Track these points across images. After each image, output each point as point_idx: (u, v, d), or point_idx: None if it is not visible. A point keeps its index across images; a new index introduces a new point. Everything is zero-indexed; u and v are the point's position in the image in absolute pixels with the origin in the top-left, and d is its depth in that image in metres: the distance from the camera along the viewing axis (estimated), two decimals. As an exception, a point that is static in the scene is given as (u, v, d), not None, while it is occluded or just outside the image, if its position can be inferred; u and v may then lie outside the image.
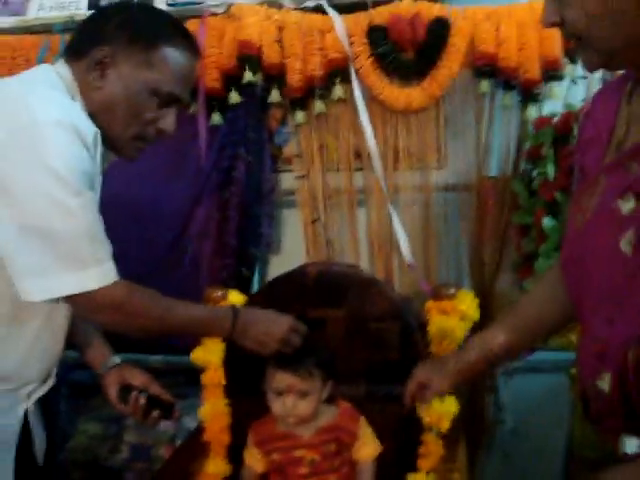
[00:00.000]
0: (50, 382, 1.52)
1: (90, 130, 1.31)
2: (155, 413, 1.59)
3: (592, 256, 1.05)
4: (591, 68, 1.03)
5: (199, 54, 1.54)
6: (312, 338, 1.69)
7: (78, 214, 1.27)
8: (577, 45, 1.02)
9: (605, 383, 1.01)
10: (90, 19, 1.48)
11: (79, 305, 1.36)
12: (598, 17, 0.95)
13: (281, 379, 1.60)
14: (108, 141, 1.41)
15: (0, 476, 1.43)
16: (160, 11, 1.61)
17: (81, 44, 1.42)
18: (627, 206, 0.98)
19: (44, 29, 2.40)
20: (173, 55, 1.42)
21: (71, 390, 2.50)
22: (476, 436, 2.21)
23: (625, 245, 0.98)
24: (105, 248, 1.34)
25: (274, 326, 1.62)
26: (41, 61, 2.28)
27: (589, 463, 1.17)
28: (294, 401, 1.60)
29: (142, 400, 1.58)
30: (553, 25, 1.00)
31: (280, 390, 1.61)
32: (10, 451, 1.43)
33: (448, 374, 1.47)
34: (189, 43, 1.47)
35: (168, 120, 1.47)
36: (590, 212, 1.06)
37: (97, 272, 1.31)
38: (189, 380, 2.16)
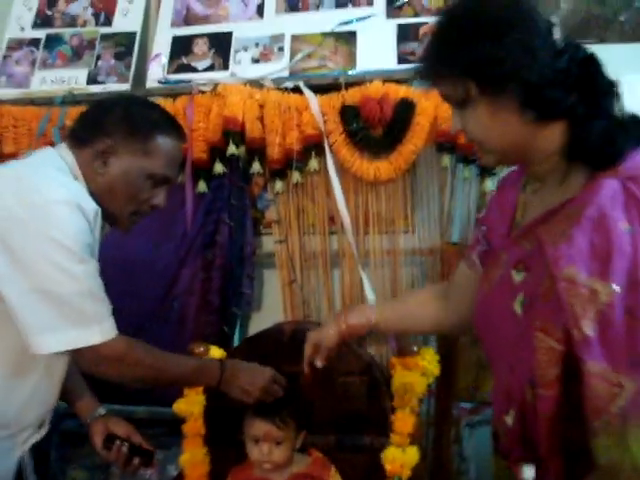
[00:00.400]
0: (44, 429, 1.63)
1: (91, 208, 1.47)
2: (136, 461, 1.70)
3: (496, 316, 1.24)
4: (489, 164, 1.27)
5: (185, 138, 1.70)
6: (287, 391, 1.78)
7: (82, 279, 1.42)
8: (476, 147, 1.23)
9: (510, 418, 1.18)
10: (91, 112, 1.65)
11: (84, 358, 1.48)
12: (489, 128, 1.16)
13: (259, 427, 1.70)
14: (107, 217, 1.57)
15: None
16: (152, 104, 1.77)
17: (84, 134, 1.58)
18: (518, 277, 1.18)
19: (45, 101, 2.53)
20: (166, 143, 1.58)
21: (61, 438, 2.51)
22: None
23: (517, 307, 1.16)
24: (106, 307, 1.48)
25: (257, 376, 1.73)
26: (42, 131, 2.43)
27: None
28: (270, 448, 1.70)
29: (124, 449, 1.69)
30: (458, 132, 1.23)
31: (257, 437, 1.71)
32: None
33: (335, 334, 1.60)
34: (178, 131, 1.64)
35: (160, 197, 1.63)
36: (494, 281, 1.26)
37: (100, 328, 1.44)
38: (172, 431, 2.21)
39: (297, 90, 2.32)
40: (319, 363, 1.64)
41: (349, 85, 2.26)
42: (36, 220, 1.39)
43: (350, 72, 2.31)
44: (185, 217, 2.38)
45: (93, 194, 1.53)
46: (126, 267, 2.40)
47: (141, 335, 1.71)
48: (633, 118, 1.16)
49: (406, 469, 1.72)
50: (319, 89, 2.30)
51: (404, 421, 1.78)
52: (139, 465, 1.72)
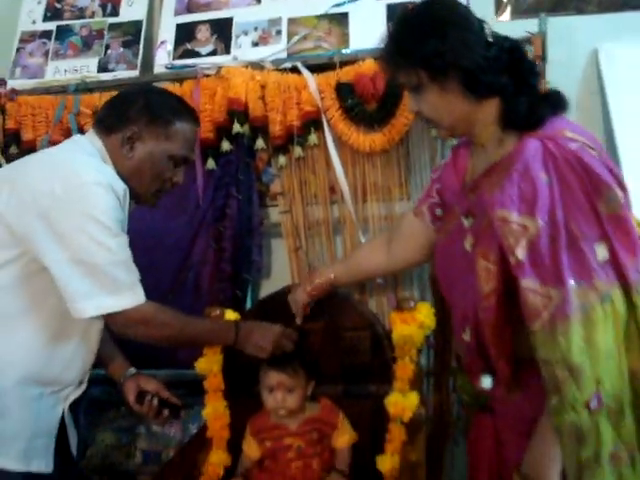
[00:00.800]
0: (83, 386, 1.82)
1: (121, 187, 1.66)
2: (165, 412, 1.90)
3: (452, 255, 1.51)
4: (442, 137, 1.58)
5: (199, 122, 1.89)
6: (297, 344, 1.97)
7: (115, 250, 1.61)
8: (432, 124, 1.51)
9: (467, 334, 1.44)
10: (116, 102, 1.83)
11: (117, 321, 1.67)
12: (439, 108, 1.43)
13: (272, 377, 1.89)
14: (134, 195, 1.76)
15: (45, 457, 1.72)
16: (170, 93, 1.94)
17: (111, 123, 1.76)
18: (467, 222, 1.45)
19: (60, 90, 2.65)
20: (184, 128, 1.78)
21: (89, 404, 2.61)
22: (443, 433, 2.38)
23: (467, 245, 1.43)
24: (136, 275, 1.67)
25: (268, 333, 1.92)
26: (59, 118, 2.56)
27: (466, 404, 1.77)
28: (283, 395, 1.88)
29: (154, 402, 1.89)
30: (416, 113, 1.49)
31: (271, 386, 1.89)
32: (52, 439, 1.73)
33: (303, 293, 2.02)
34: (193, 116, 1.83)
35: (180, 175, 1.83)
36: (450, 229, 1.53)
37: (131, 295, 1.64)
38: (192, 392, 2.31)
39: (295, 70, 2.42)
40: (298, 320, 1.99)
41: (343, 64, 2.36)
42: (74, 199, 1.57)
43: (344, 51, 2.40)
44: (196, 192, 2.50)
45: (121, 175, 1.71)
46: (143, 242, 2.42)
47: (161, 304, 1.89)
48: (552, 92, 1.45)
49: (407, 412, 1.86)
50: (315, 68, 2.40)
51: (404, 369, 1.90)
52: (168, 416, 1.91)
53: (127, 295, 1.64)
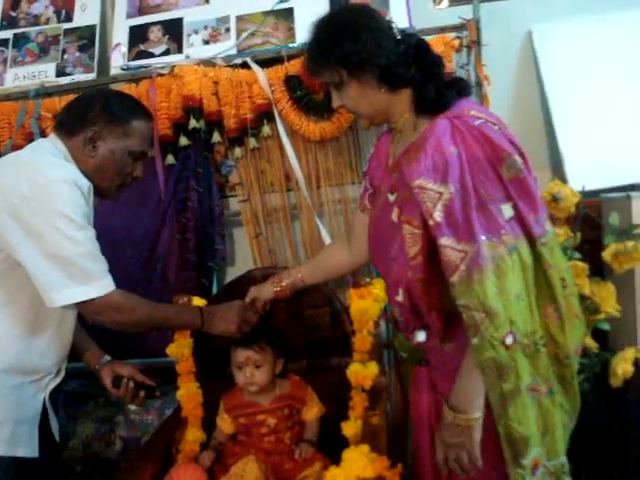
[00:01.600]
0: (62, 374, 1.92)
1: (85, 184, 1.76)
2: (141, 393, 1.99)
3: (381, 228, 1.67)
4: (364, 127, 1.70)
5: (153, 118, 1.99)
6: (262, 323, 2.06)
7: (83, 243, 1.70)
8: (354, 115, 1.70)
9: (400, 295, 1.59)
10: (75, 106, 1.91)
11: (87, 309, 1.76)
12: (359, 101, 1.61)
13: (240, 354, 1.98)
14: (99, 191, 1.85)
15: (30, 444, 1.81)
16: (124, 94, 2.04)
17: (72, 125, 1.85)
18: (392, 197, 1.61)
19: (20, 96, 2.69)
20: (140, 125, 1.88)
21: (67, 398, 2.75)
22: (406, 402, 2.55)
23: (394, 217, 1.59)
24: (104, 265, 1.76)
25: (232, 309, 2.03)
26: (20, 123, 2.61)
27: (405, 360, 1.92)
28: (251, 371, 1.97)
29: (131, 384, 1.97)
30: (339, 107, 1.66)
31: (240, 364, 1.98)
32: (36, 426, 1.83)
33: (270, 292, 2.09)
34: (147, 114, 1.93)
35: (140, 169, 1.93)
36: (378, 206, 1.68)
37: (100, 284, 1.74)
38: (165, 379, 2.39)
39: (246, 66, 2.50)
40: (254, 315, 2.06)
41: (291, 57, 2.45)
42: (41, 197, 1.67)
43: (291, 45, 2.50)
44: (158, 187, 2.59)
45: (85, 174, 1.81)
46: (110, 237, 2.46)
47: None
48: (456, 78, 1.67)
49: (367, 380, 1.96)
50: (265, 63, 2.49)
51: (363, 341, 2.00)
52: (144, 397, 2.00)
53: (96, 284, 1.73)
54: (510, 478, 1.51)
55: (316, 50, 1.62)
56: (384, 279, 1.78)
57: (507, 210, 1.44)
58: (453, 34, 2.42)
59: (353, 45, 1.53)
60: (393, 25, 1.59)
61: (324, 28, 1.61)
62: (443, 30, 2.43)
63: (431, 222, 1.45)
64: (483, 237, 1.41)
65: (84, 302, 1.73)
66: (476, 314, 1.42)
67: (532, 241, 1.46)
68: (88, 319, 1.83)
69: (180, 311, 2.04)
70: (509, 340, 1.42)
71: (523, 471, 1.50)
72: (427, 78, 1.57)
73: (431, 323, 1.58)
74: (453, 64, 2.43)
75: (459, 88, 1.59)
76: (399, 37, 1.57)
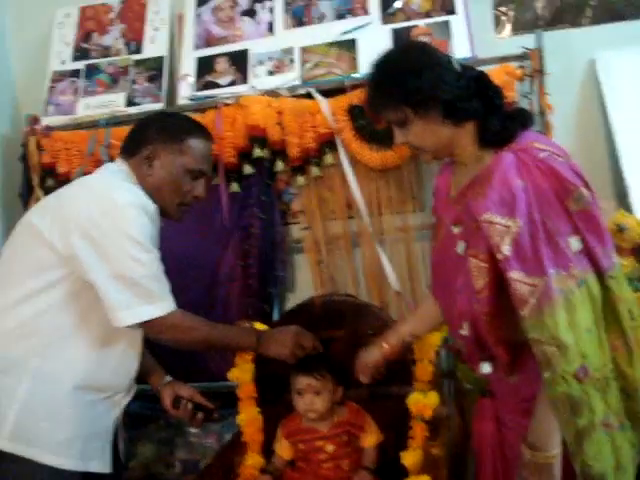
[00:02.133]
0: (132, 393, 1.97)
1: (151, 206, 1.84)
2: (199, 415, 2.05)
3: (445, 260, 1.66)
4: (427, 162, 1.72)
5: (212, 139, 2.04)
6: (323, 352, 2.07)
7: (148, 264, 1.77)
8: (417, 151, 1.68)
9: (464, 329, 1.59)
10: (135, 128, 2.01)
11: (150, 328, 1.82)
12: (424, 137, 1.61)
13: (301, 381, 2.00)
14: (160, 210, 1.90)
15: (103, 458, 1.88)
16: (181, 115, 2.12)
17: (132, 147, 1.95)
18: (456, 229, 1.61)
19: (91, 124, 2.79)
20: (196, 143, 1.94)
21: (129, 419, 2.75)
22: (467, 433, 2.48)
23: (459, 249, 1.58)
24: (167, 286, 1.83)
25: (285, 335, 2.04)
26: (91, 150, 2.69)
27: (468, 391, 1.91)
28: (311, 398, 1.99)
29: (189, 406, 2.03)
30: (402, 144, 1.65)
31: (300, 390, 2.01)
32: (108, 442, 1.90)
33: (379, 355, 1.97)
34: (205, 132, 1.99)
35: (200, 188, 1.99)
36: (441, 237, 1.69)
37: (162, 305, 1.80)
38: (225, 403, 2.37)
39: (309, 96, 2.55)
40: (364, 380, 2.00)
41: (354, 87, 2.48)
42: (110, 221, 1.75)
43: (354, 76, 2.54)
44: (222, 214, 2.64)
45: (146, 192, 1.88)
46: (175, 262, 2.53)
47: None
48: (519, 110, 1.67)
49: (428, 410, 1.96)
50: (328, 93, 2.54)
51: (424, 370, 2.00)
52: (202, 418, 2.05)
53: (159, 304, 1.80)
54: None
55: (379, 90, 1.63)
56: (445, 311, 1.77)
57: (575, 243, 1.44)
58: (515, 63, 2.41)
59: (417, 83, 1.53)
60: (453, 59, 1.60)
61: (386, 68, 1.62)
62: (505, 59, 2.43)
63: (499, 256, 1.45)
64: (552, 270, 1.41)
65: (147, 321, 1.79)
66: (547, 348, 1.41)
67: (600, 274, 1.45)
68: (150, 337, 1.90)
69: (237, 332, 2.06)
70: (581, 374, 1.41)
71: None
72: (490, 110, 1.58)
73: (498, 356, 1.57)
74: (516, 93, 2.41)
75: (522, 119, 1.59)
76: (460, 71, 1.58)
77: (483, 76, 1.63)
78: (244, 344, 2.05)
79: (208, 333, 1.93)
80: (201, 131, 1.99)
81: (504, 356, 1.55)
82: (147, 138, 1.93)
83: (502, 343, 1.54)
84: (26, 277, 1.82)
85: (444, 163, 1.81)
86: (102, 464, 1.87)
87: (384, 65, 1.63)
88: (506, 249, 1.44)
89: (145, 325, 1.81)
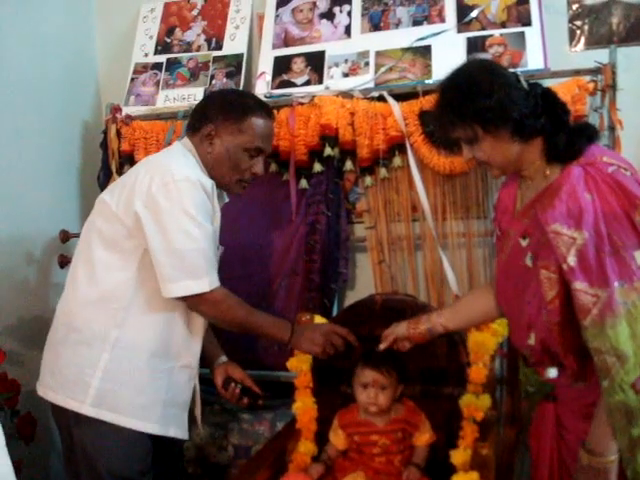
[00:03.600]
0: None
1: (209, 183, 1.92)
2: (245, 400, 2.13)
3: (513, 273, 1.70)
4: (496, 176, 1.78)
5: (273, 117, 2.10)
6: (390, 350, 2.08)
7: (198, 239, 1.87)
8: (485, 166, 1.72)
9: (532, 339, 1.64)
10: (198, 105, 2.09)
11: (192, 301, 1.92)
12: (493, 154, 1.64)
13: (368, 374, 2.03)
14: (219, 185, 2.01)
15: (181, 426, 2.01)
16: (244, 92, 2.20)
17: (194, 123, 2.03)
18: (524, 242, 1.65)
19: (169, 116, 2.88)
20: (255, 122, 2.00)
21: None
22: (515, 437, 2.40)
23: (528, 261, 1.62)
24: (213, 264, 1.92)
25: (319, 330, 2.10)
26: (168, 142, 2.75)
27: (530, 394, 1.92)
28: (376, 392, 2.02)
29: (237, 390, 2.12)
30: (470, 160, 1.70)
31: (366, 383, 2.03)
32: (185, 411, 2.05)
33: (403, 331, 2.04)
34: (265, 111, 2.04)
35: (259, 166, 2.06)
36: (507, 250, 1.71)
37: (206, 280, 1.89)
38: (279, 394, 2.56)
39: (382, 99, 2.58)
40: (381, 346, 2.07)
41: (426, 93, 2.50)
42: (168, 194, 1.85)
43: (427, 82, 2.56)
44: (290, 209, 2.71)
45: (206, 168, 1.98)
46: (241, 254, 2.71)
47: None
48: (584, 124, 1.71)
49: (480, 412, 1.98)
50: (400, 97, 2.56)
51: (478, 373, 2.03)
52: (248, 403, 2.14)
53: (203, 280, 1.89)
54: None
55: (449, 108, 1.66)
56: (512, 322, 1.80)
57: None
58: (588, 77, 2.42)
59: (487, 101, 1.57)
60: (520, 77, 1.64)
61: (455, 86, 1.66)
62: (578, 73, 2.44)
63: (565, 266, 1.49)
64: (616, 283, 1.44)
65: (190, 295, 1.89)
66: (608, 357, 1.45)
67: None
68: (189, 308, 1.98)
69: (273, 323, 2.09)
70: (639, 385, 1.44)
71: None
72: (556, 126, 1.61)
73: (567, 363, 1.61)
74: (587, 107, 2.42)
75: (589, 134, 1.62)
76: (527, 88, 1.62)
77: (549, 92, 1.66)
78: (277, 335, 2.09)
79: (245, 317, 2.00)
80: (261, 109, 2.04)
81: (573, 364, 1.59)
82: (208, 116, 2.01)
83: (572, 352, 1.58)
84: (102, 251, 1.94)
85: (509, 176, 1.83)
86: (181, 431, 2.02)
87: (454, 83, 1.67)
88: (571, 260, 1.48)
89: (187, 298, 1.90)
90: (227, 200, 2.17)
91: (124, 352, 1.93)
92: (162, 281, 1.88)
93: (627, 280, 1.45)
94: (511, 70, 1.70)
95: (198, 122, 2.03)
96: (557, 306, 1.54)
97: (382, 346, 2.06)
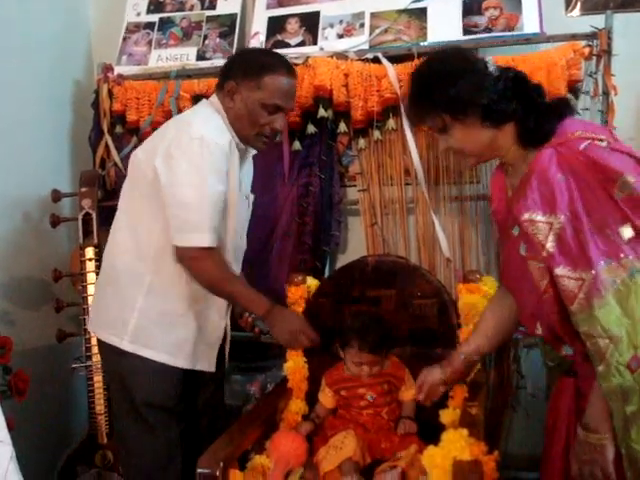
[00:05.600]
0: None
1: (226, 141, 2.00)
2: (256, 329, 2.25)
3: (512, 263, 1.69)
4: (472, 165, 1.82)
5: (295, 74, 2.14)
6: (383, 325, 2.11)
7: (203, 196, 1.94)
8: (461, 156, 1.72)
9: (539, 329, 1.63)
10: (225, 63, 2.17)
11: (178, 253, 2.01)
12: (465, 142, 1.65)
13: (364, 357, 2.06)
14: (241, 139, 2.09)
15: (209, 362, 2.17)
16: (268, 51, 2.26)
17: (221, 79, 2.10)
18: (516, 232, 1.62)
19: (162, 76, 2.86)
20: (274, 79, 2.05)
21: None
22: (503, 399, 2.47)
23: (522, 251, 1.60)
24: (211, 223, 1.96)
25: (291, 324, 2.16)
26: (161, 101, 2.78)
27: (550, 369, 1.86)
28: (369, 368, 2.07)
29: (249, 319, 2.24)
30: (446, 150, 1.70)
31: (360, 362, 2.07)
32: (215, 348, 2.19)
33: (439, 379, 1.96)
34: (285, 68, 2.09)
35: (278, 122, 2.11)
36: (506, 241, 1.71)
37: (199, 237, 1.97)
38: (271, 356, 2.65)
39: (376, 60, 2.57)
40: (420, 397, 2.00)
41: (421, 55, 2.48)
42: (184, 150, 1.94)
43: (422, 43, 2.55)
44: (283, 171, 2.71)
45: (230, 124, 2.06)
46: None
47: (248, 271, 2.26)
48: (557, 101, 1.68)
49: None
50: (395, 59, 2.55)
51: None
52: (259, 332, 2.25)
53: (194, 235, 1.97)
54: None
55: (417, 99, 1.68)
56: (520, 311, 1.76)
57: (626, 231, 1.44)
58: (584, 42, 2.42)
59: (453, 90, 1.57)
60: (489, 63, 1.63)
61: (423, 77, 1.67)
62: (574, 37, 2.43)
63: (544, 253, 1.49)
64: (602, 262, 1.43)
65: (179, 247, 1.99)
66: (600, 341, 1.43)
67: None
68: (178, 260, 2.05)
69: (253, 297, 2.12)
70: (634, 364, 1.42)
71: None
72: (529, 110, 1.60)
73: (575, 347, 1.59)
74: (582, 72, 2.42)
75: (560, 112, 1.61)
76: (497, 74, 1.61)
77: (521, 76, 1.65)
78: (252, 310, 2.17)
79: (225, 283, 2.08)
80: (281, 67, 2.08)
81: (581, 349, 1.54)
82: (230, 73, 2.08)
83: (578, 338, 1.52)
84: (136, 201, 2.08)
85: (496, 166, 1.83)
86: (207, 365, 2.16)
87: (421, 75, 1.69)
88: (550, 246, 1.48)
89: (179, 249, 2.00)
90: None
91: (157, 296, 2.08)
92: (171, 229, 1.98)
93: (614, 257, 1.43)
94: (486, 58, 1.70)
95: (222, 79, 2.10)
96: (552, 295, 1.52)
97: (420, 397, 2.00)
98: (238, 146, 2.10)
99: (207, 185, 1.94)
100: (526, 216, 1.52)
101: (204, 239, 1.97)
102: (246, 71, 2.05)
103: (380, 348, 2.07)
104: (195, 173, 1.93)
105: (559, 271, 1.47)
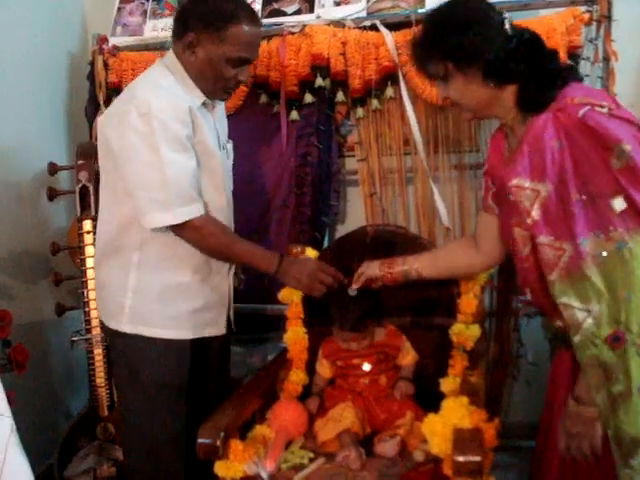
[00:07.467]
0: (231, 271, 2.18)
1: (183, 108, 1.90)
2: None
3: (506, 229, 1.67)
4: (468, 119, 1.74)
5: (258, 23, 2.01)
6: (363, 303, 2.08)
7: (165, 171, 1.86)
8: (457, 107, 1.69)
9: (529, 295, 1.65)
10: (181, 9, 2.02)
11: (174, 230, 1.94)
12: (464, 93, 1.61)
13: (347, 336, 2.06)
14: (204, 93, 1.98)
15: (217, 326, 2.14)
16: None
17: (177, 29, 1.97)
18: (511, 197, 1.58)
19: (157, 46, 2.81)
20: (238, 31, 1.91)
21: None
22: (504, 367, 2.54)
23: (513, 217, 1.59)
24: (187, 192, 1.91)
25: (306, 267, 2.12)
26: None
27: (550, 340, 1.84)
28: (356, 343, 2.06)
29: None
30: (445, 99, 1.68)
31: (346, 340, 2.08)
32: (223, 313, 2.16)
33: (375, 271, 2.05)
34: (249, 18, 1.93)
35: (244, 74, 2.01)
36: (503, 205, 1.68)
37: (182, 211, 1.91)
38: (271, 327, 2.64)
39: (374, 28, 2.54)
40: (354, 286, 2.07)
41: (419, 22, 2.37)
42: (133, 130, 1.85)
43: (420, 11, 2.50)
44: (281, 141, 2.69)
45: (190, 76, 1.95)
46: (234, 187, 2.71)
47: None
48: (563, 68, 1.62)
49: (469, 341, 2.02)
50: (393, 27, 2.52)
51: (468, 303, 2.07)
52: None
53: (178, 211, 1.90)
54: (619, 478, 1.50)
55: (423, 42, 1.64)
56: (517, 275, 1.75)
57: (618, 203, 1.41)
58: (583, 7, 2.38)
59: (460, 39, 1.55)
60: (507, 20, 1.59)
61: (434, 21, 1.64)
62: (573, 3, 2.40)
63: (529, 220, 1.48)
64: (590, 233, 1.41)
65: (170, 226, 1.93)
66: (578, 312, 1.43)
67: None
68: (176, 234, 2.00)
69: (260, 253, 2.09)
70: (613, 340, 1.41)
71: (632, 471, 1.47)
72: (536, 75, 1.56)
73: (559, 319, 1.56)
74: (582, 37, 2.38)
75: (563, 79, 1.57)
76: (511, 32, 1.57)
77: (536, 39, 1.61)
78: (262, 266, 2.09)
79: (228, 245, 2.02)
80: (245, 17, 1.92)
81: (563, 319, 1.52)
82: (189, 24, 1.93)
83: (556, 309, 1.51)
84: (111, 176, 2.00)
85: (497, 127, 1.80)
86: (216, 329, 2.12)
87: (433, 18, 1.65)
88: (535, 213, 1.47)
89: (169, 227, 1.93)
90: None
91: (148, 272, 2.02)
92: (138, 214, 1.92)
93: (602, 230, 1.41)
94: (505, 15, 1.63)
95: (179, 29, 1.96)
96: (532, 264, 1.53)
97: (354, 286, 2.06)
98: (204, 102, 2.01)
99: (168, 159, 1.86)
100: (514, 182, 1.51)
101: (190, 210, 1.92)
102: (207, 22, 1.90)
103: (361, 326, 2.05)
104: (150, 149, 1.84)
105: (541, 239, 1.47)
